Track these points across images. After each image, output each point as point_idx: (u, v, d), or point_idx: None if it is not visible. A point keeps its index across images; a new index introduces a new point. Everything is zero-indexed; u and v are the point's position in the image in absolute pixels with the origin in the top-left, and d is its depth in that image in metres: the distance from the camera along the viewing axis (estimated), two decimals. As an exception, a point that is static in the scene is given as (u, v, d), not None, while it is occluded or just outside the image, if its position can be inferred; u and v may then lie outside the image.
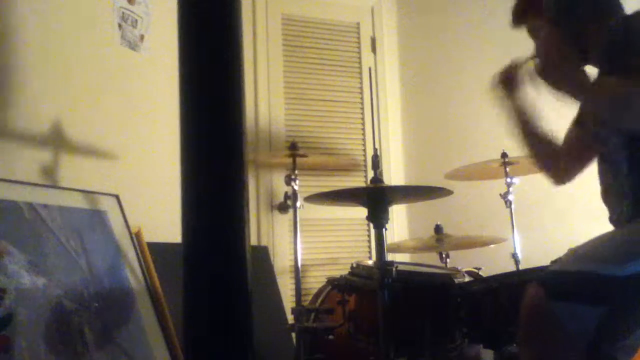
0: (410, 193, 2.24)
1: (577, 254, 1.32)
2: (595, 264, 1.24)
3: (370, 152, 3.00)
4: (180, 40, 0.50)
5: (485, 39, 3.30)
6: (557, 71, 1.40)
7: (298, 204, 2.52)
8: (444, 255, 2.51)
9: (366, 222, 2.58)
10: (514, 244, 2.50)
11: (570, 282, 1.25)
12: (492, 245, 2.54)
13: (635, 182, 1.35)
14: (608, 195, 1.45)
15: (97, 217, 2.11)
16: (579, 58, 1.44)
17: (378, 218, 1.70)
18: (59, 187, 2.08)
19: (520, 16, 1.55)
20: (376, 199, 1.73)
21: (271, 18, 3.33)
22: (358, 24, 3.54)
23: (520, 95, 1.61)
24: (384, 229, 1.71)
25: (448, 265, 2.47)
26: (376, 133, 3.40)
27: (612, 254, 1.26)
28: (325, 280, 2.11)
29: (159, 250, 2.32)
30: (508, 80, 1.63)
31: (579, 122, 1.52)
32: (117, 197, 2.23)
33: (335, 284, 1.88)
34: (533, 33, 1.54)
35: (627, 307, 1.23)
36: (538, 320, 1.25)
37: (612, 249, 1.29)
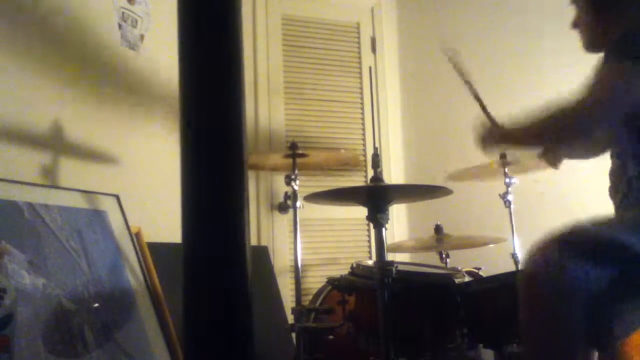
0: (410, 192, 2.24)
1: (601, 219, 1.33)
2: (613, 230, 1.25)
3: (370, 153, 3.00)
4: (180, 40, 0.50)
5: (485, 39, 3.30)
6: (589, 45, 1.57)
7: (298, 204, 2.52)
8: (444, 255, 2.51)
9: (366, 222, 2.58)
10: (514, 244, 2.50)
11: (588, 243, 1.25)
12: (492, 245, 2.54)
13: None
14: (614, 188, 1.46)
15: (97, 217, 2.11)
16: (599, 44, 1.52)
17: (378, 218, 1.70)
18: (59, 187, 2.08)
19: None
20: (376, 198, 1.73)
21: (271, 18, 3.33)
22: (358, 24, 3.54)
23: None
24: (384, 229, 1.71)
25: (448, 265, 2.46)
26: (376, 133, 3.40)
27: (630, 224, 1.27)
28: (325, 280, 2.11)
29: (159, 250, 2.32)
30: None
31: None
32: (117, 197, 2.23)
33: (335, 284, 1.88)
34: (575, 1, 1.61)
35: (635, 276, 1.24)
36: (548, 275, 1.24)
37: (629, 221, 1.30)
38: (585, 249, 1.23)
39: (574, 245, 1.23)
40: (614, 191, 1.47)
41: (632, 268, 1.22)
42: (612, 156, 1.50)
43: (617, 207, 1.45)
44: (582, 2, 1.57)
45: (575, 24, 1.61)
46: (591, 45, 1.58)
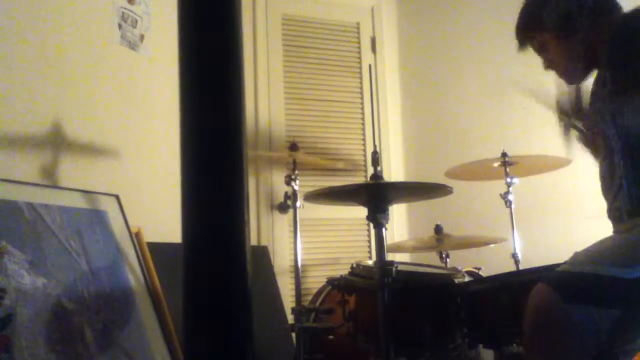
0: (410, 191, 2.24)
1: (586, 255, 1.31)
2: (605, 267, 1.24)
3: (370, 153, 3.00)
4: (180, 39, 0.50)
5: (485, 39, 3.30)
6: (574, 76, 1.54)
7: (298, 204, 2.52)
8: (444, 255, 2.51)
9: (366, 222, 2.58)
10: (514, 244, 2.50)
11: (584, 284, 1.24)
12: (492, 245, 2.54)
13: (630, 176, 1.37)
14: (606, 189, 1.46)
15: (97, 217, 2.11)
16: (589, 64, 1.51)
17: (378, 217, 1.70)
18: (59, 187, 2.08)
19: (523, 39, 1.62)
20: (376, 197, 1.73)
21: (271, 18, 3.34)
22: (358, 24, 3.55)
23: None
24: (384, 229, 1.71)
25: (448, 265, 2.46)
26: (376, 133, 3.40)
27: (621, 257, 1.26)
28: (325, 280, 2.11)
29: (159, 250, 2.32)
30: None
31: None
32: (117, 197, 2.23)
33: (335, 284, 1.88)
34: (540, 49, 1.60)
35: (638, 309, 1.23)
36: (551, 322, 1.24)
37: (620, 252, 1.29)
38: (584, 291, 1.23)
39: (572, 290, 1.23)
40: (606, 191, 1.47)
41: (630, 300, 1.22)
42: (602, 157, 1.50)
43: (610, 206, 1.45)
44: (549, 37, 1.54)
45: (549, 64, 1.59)
46: (576, 77, 1.56)
